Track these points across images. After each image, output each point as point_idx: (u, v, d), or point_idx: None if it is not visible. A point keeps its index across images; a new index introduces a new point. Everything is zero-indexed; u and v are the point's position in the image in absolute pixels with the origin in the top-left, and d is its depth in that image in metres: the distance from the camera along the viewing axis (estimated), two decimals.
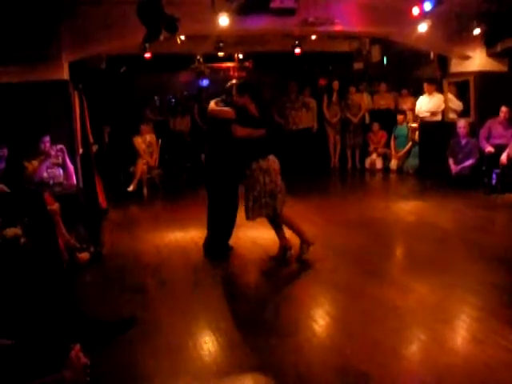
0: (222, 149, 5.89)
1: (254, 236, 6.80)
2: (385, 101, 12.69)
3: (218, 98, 6.01)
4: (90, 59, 9.87)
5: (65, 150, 7.41)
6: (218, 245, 6.16)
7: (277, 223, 5.92)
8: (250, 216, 5.72)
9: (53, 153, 7.23)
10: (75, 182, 7.61)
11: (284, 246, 5.90)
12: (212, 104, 5.95)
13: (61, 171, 7.29)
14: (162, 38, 7.21)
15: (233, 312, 4.49)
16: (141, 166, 10.34)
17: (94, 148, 9.16)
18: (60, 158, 7.34)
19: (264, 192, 5.59)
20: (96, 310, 4.30)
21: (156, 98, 13.68)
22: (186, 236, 7.01)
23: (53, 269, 4.86)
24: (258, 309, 4.55)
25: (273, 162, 5.68)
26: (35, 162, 7.03)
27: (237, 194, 6.02)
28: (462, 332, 4.02)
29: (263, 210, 5.67)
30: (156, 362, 3.63)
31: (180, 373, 3.52)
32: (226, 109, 5.78)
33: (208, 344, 3.88)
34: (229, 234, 6.20)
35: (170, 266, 5.81)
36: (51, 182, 7.04)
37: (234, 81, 6.13)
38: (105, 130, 11.66)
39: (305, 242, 5.82)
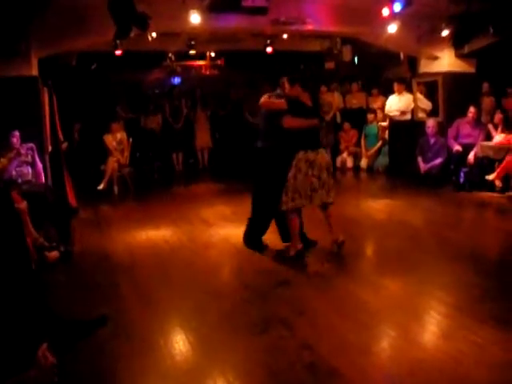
0: (275, 141, 5.85)
1: (226, 234, 6.80)
2: (357, 100, 12.79)
3: (271, 93, 6.04)
4: (61, 55, 9.73)
5: (35, 148, 7.32)
6: (253, 237, 6.16)
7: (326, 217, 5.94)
8: (286, 207, 5.67)
9: (23, 151, 7.15)
10: (44, 180, 7.51)
11: (336, 240, 5.93)
12: (264, 97, 5.97)
13: (29, 169, 7.19)
14: (132, 34, 7.17)
15: (204, 311, 4.48)
16: (111, 164, 10.23)
17: (64, 146, 9.05)
18: (30, 156, 7.25)
19: (305, 183, 5.57)
20: (66, 310, 4.25)
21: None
22: (158, 234, 6.97)
23: (21, 268, 4.79)
24: (229, 307, 4.55)
25: (321, 156, 5.68)
26: (4, 160, 6.92)
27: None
28: (431, 328, 4.08)
29: (300, 201, 5.63)
30: (126, 362, 3.60)
31: (150, 372, 3.49)
32: (277, 101, 5.80)
33: (179, 343, 3.87)
34: (265, 228, 6.17)
35: (142, 265, 5.77)
36: (19, 180, 6.93)
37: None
38: (75, 128, 11.53)
39: (292, 245, 5.83)
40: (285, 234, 6.11)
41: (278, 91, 6.02)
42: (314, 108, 5.80)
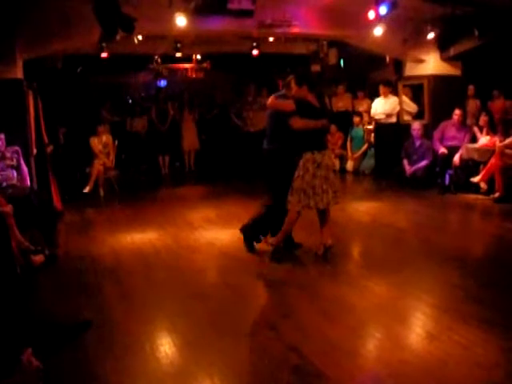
0: (282, 142, 5.82)
1: (211, 237, 6.80)
2: (343, 103, 12.83)
3: (278, 93, 5.98)
4: (46, 58, 9.68)
5: (20, 151, 7.27)
6: (253, 235, 6.15)
7: (324, 219, 5.94)
8: (293, 207, 5.65)
9: (8, 154, 7.10)
10: (29, 183, 7.45)
11: (324, 243, 5.91)
12: (271, 98, 5.88)
13: (14, 173, 7.13)
14: (118, 37, 7.15)
15: (190, 313, 4.47)
16: (97, 167, 10.19)
17: (49, 149, 8.99)
18: (15, 159, 7.19)
19: (313, 184, 5.57)
20: (51, 313, 4.23)
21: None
22: (144, 237, 6.94)
23: (5, 272, 4.75)
24: (215, 310, 4.54)
25: (328, 157, 5.71)
26: None
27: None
28: (416, 329, 4.09)
29: (309, 201, 5.61)
30: (112, 365, 3.58)
31: (136, 375, 3.48)
32: (285, 101, 5.73)
33: (165, 346, 3.85)
34: (269, 229, 6.17)
35: (127, 268, 5.74)
36: (4, 183, 6.88)
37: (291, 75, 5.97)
38: (60, 131, 11.46)
39: (278, 243, 5.85)
40: (275, 233, 6.09)
41: (284, 91, 5.96)
42: (322, 109, 5.77)
